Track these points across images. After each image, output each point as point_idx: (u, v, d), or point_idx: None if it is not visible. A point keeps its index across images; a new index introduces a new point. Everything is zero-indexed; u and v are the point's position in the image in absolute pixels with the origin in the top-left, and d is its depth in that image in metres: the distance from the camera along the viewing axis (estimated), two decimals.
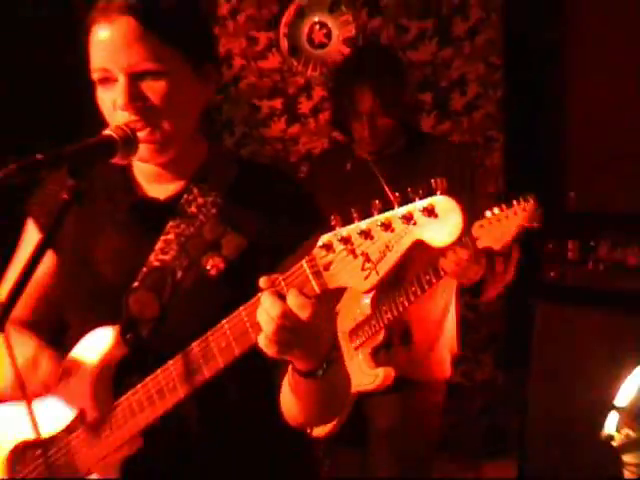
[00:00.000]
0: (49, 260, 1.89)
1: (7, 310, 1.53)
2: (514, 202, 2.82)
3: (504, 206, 2.83)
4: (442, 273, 2.97)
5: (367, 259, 1.41)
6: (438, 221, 1.36)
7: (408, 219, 1.37)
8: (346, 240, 1.42)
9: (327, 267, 1.44)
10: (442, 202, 1.36)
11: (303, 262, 1.47)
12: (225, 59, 5.49)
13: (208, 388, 1.67)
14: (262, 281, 1.50)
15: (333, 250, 1.43)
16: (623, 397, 3.24)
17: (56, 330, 2.00)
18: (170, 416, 1.72)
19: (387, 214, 1.40)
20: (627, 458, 3.17)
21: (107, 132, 1.68)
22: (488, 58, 5.17)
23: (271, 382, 1.76)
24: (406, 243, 1.38)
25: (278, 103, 5.48)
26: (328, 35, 5.34)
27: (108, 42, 1.69)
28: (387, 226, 1.39)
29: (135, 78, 1.69)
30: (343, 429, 3.21)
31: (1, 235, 2.13)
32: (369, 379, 3.18)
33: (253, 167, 1.92)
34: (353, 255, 1.42)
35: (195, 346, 1.64)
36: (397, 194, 1.40)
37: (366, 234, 1.41)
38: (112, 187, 1.87)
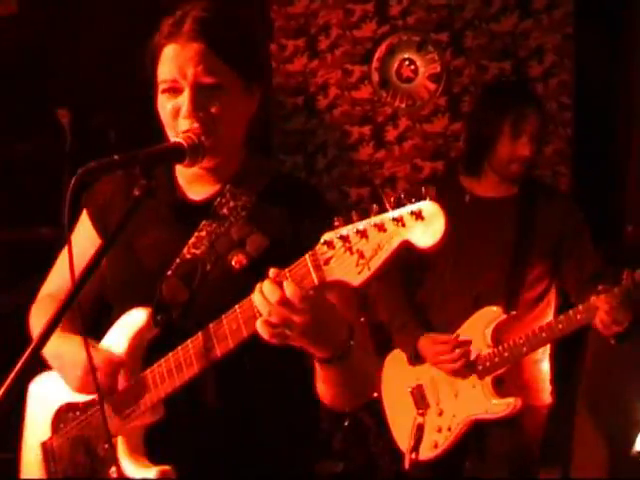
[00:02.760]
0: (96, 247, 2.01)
1: (66, 306, 1.63)
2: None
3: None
4: (594, 313, 2.91)
5: (361, 256, 1.46)
6: (424, 224, 1.41)
7: (398, 221, 1.44)
8: (345, 238, 1.48)
9: (327, 262, 1.50)
10: (429, 207, 1.42)
11: (306, 256, 1.53)
12: (322, 88, 5.67)
13: (225, 364, 1.75)
14: (270, 271, 1.57)
15: (333, 247, 1.49)
16: None
17: (97, 310, 2.10)
18: (190, 389, 1.80)
19: (381, 216, 1.47)
20: None
21: (177, 139, 1.81)
22: (560, 98, 5.18)
23: (284, 361, 1.79)
24: (395, 243, 1.44)
25: (367, 130, 5.61)
26: (415, 71, 5.45)
27: (179, 59, 1.82)
28: (380, 227, 1.46)
29: (198, 90, 1.81)
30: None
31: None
32: (500, 407, 3.11)
33: (283, 177, 2.01)
34: (350, 252, 1.47)
35: (211, 327, 1.72)
36: (392, 198, 1.47)
37: (362, 233, 1.47)
38: (156, 187, 1.91)
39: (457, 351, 3.14)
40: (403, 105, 5.52)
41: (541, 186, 3.40)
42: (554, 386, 3.37)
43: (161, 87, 1.86)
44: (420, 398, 3.27)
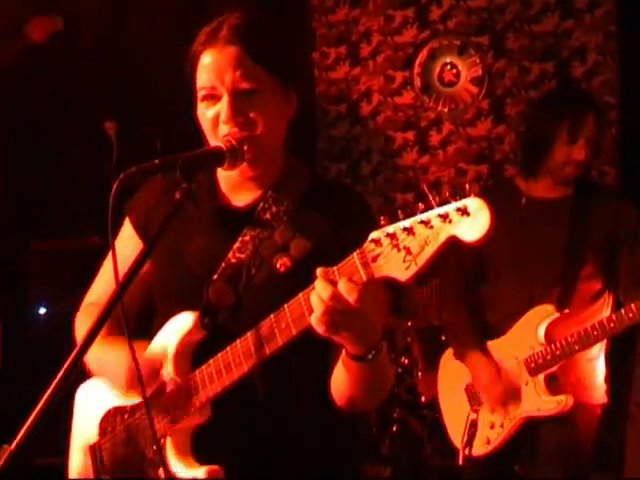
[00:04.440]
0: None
1: (109, 311, 1.62)
2: None
3: None
4: None
5: (408, 252, 1.46)
6: (470, 219, 1.40)
7: (445, 217, 1.42)
8: (392, 236, 1.48)
9: (375, 259, 1.50)
10: (474, 203, 1.41)
11: (354, 254, 1.53)
12: (365, 95, 5.64)
13: (273, 365, 1.74)
14: (319, 270, 1.57)
15: (380, 244, 1.49)
16: None
17: (143, 315, 2.09)
18: (236, 389, 1.79)
19: (427, 213, 1.45)
20: None
21: (217, 144, 1.80)
22: (604, 98, 5.07)
23: (326, 364, 1.81)
24: (442, 238, 1.43)
25: (411, 135, 5.56)
26: (457, 75, 5.39)
27: (216, 65, 1.82)
28: (426, 223, 1.44)
29: (237, 96, 1.80)
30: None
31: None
32: (551, 405, 3.09)
33: (322, 181, 2.01)
34: (397, 249, 1.47)
35: (259, 327, 1.71)
36: (436, 196, 1.46)
37: (409, 230, 1.46)
38: (200, 193, 1.93)
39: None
40: (446, 109, 5.46)
41: (596, 186, 3.39)
42: (609, 385, 3.30)
43: (200, 95, 1.85)
44: (474, 395, 3.27)
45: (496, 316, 3.28)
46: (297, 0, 5.69)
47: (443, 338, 3.97)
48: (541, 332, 3.11)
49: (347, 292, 1.52)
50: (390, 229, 1.49)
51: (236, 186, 1.95)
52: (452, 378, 3.38)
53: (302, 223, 1.85)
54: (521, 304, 3.18)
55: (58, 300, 3.97)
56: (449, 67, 5.41)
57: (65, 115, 4.59)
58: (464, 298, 3.38)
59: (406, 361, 4.52)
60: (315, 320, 1.57)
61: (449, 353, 3.44)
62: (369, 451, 4.35)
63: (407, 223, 1.47)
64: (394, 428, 4.44)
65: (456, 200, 1.43)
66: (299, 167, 1.99)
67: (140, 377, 1.74)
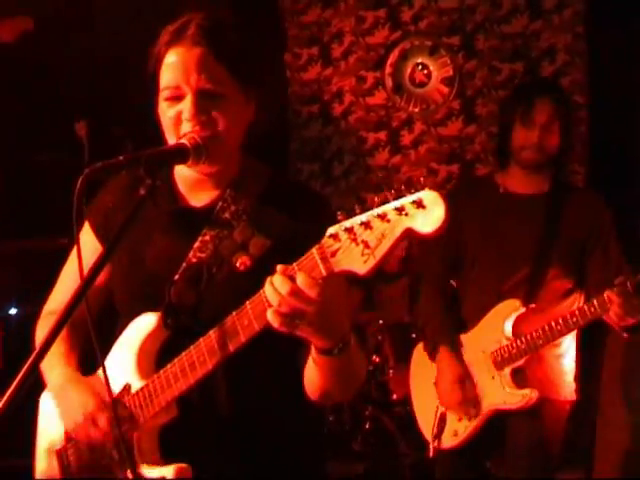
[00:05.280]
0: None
1: (69, 313, 1.61)
2: None
3: None
4: (608, 306, 2.90)
5: (366, 246, 1.47)
6: (425, 212, 1.41)
7: (400, 210, 1.43)
8: (349, 230, 1.48)
9: (334, 254, 1.51)
10: (429, 196, 1.41)
11: (313, 250, 1.53)
12: (337, 95, 5.64)
13: (235, 363, 1.74)
14: (278, 267, 1.58)
15: (339, 239, 1.50)
16: None
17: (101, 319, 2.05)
18: (202, 388, 1.80)
19: (383, 207, 1.46)
20: None
21: (181, 141, 1.79)
22: (572, 97, 5.08)
23: (293, 360, 1.81)
24: (398, 231, 1.44)
25: (383, 135, 5.57)
26: (428, 75, 5.41)
27: (182, 65, 1.81)
28: (383, 217, 1.45)
29: (201, 96, 1.80)
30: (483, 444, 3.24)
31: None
32: (516, 398, 3.11)
33: (281, 181, 1.99)
34: (355, 243, 1.48)
35: (222, 324, 1.72)
36: (392, 190, 1.46)
37: (366, 225, 1.47)
38: (158, 194, 1.90)
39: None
40: (417, 109, 5.47)
41: (571, 185, 3.44)
42: (579, 383, 3.31)
43: (164, 94, 1.84)
44: None
45: (467, 309, 3.31)
46: (269, 1, 5.67)
47: (414, 335, 3.98)
48: (508, 326, 3.13)
49: (307, 287, 1.53)
50: (348, 224, 1.49)
51: (194, 187, 1.95)
52: (423, 372, 3.39)
53: (261, 222, 1.85)
54: (491, 298, 3.20)
55: (28, 300, 3.93)
56: (420, 67, 5.42)
57: (35, 115, 4.56)
58: (443, 288, 3.42)
59: (377, 359, 4.52)
60: (270, 315, 1.57)
61: (420, 349, 3.44)
62: (341, 448, 4.34)
63: (364, 217, 1.47)
64: (367, 426, 4.44)
65: (411, 193, 1.43)
66: (257, 167, 1.98)
67: (117, 419, 1.79)
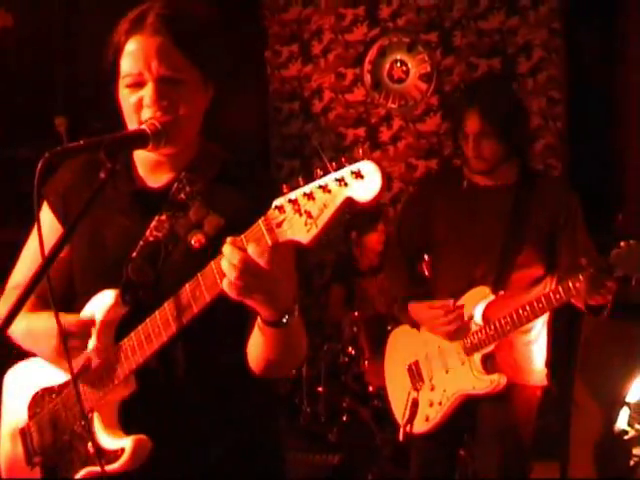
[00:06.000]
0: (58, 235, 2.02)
1: (30, 290, 1.65)
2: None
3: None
4: (573, 292, 2.93)
5: (309, 216, 1.51)
6: (363, 181, 1.46)
7: (341, 181, 1.48)
8: (294, 202, 1.52)
9: (279, 225, 1.55)
10: (367, 166, 1.46)
11: (260, 221, 1.57)
12: (317, 92, 5.67)
13: (192, 336, 1.80)
14: (228, 239, 1.62)
15: (284, 211, 1.53)
16: (635, 393, 3.15)
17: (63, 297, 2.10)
18: (160, 362, 1.86)
19: (325, 178, 1.50)
20: (637, 451, 3.09)
21: (142, 126, 1.82)
22: (549, 93, 5.14)
23: (246, 335, 1.85)
24: (339, 200, 1.48)
25: (362, 131, 5.61)
26: (406, 72, 5.44)
27: (142, 53, 1.84)
28: (324, 188, 1.49)
29: (161, 82, 1.84)
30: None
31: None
32: (484, 384, 3.14)
33: (235, 163, 2.03)
34: (299, 214, 1.52)
35: (176, 296, 1.76)
36: (333, 163, 1.50)
37: (309, 196, 1.51)
38: (116, 176, 1.95)
39: (452, 314, 3.20)
40: (395, 106, 5.49)
41: (539, 174, 3.45)
42: (550, 370, 3.33)
43: (125, 81, 1.87)
44: (416, 374, 3.33)
45: (439, 296, 3.33)
46: None
47: (389, 328, 4.01)
48: (478, 313, 3.16)
49: (257, 255, 1.57)
50: (292, 195, 1.52)
51: (152, 168, 1.99)
52: (396, 359, 3.44)
53: (215, 201, 1.89)
54: (462, 285, 3.23)
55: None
56: (398, 64, 5.45)
57: (15, 110, 4.57)
58: (406, 265, 3.48)
59: (353, 351, 4.55)
60: (227, 284, 1.61)
61: (394, 334, 3.50)
62: (318, 440, 4.36)
63: (307, 189, 1.51)
64: (344, 418, 4.46)
65: (351, 164, 1.47)
66: (213, 151, 2.03)
67: (67, 347, 1.78)
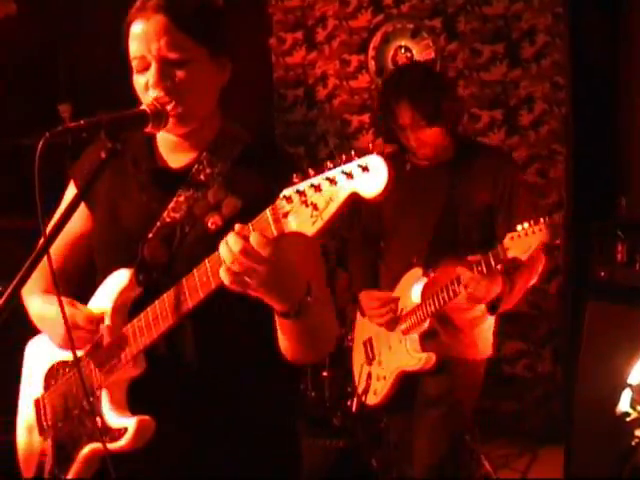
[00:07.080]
0: (83, 215, 2.08)
1: (45, 249, 1.68)
2: (541, 219, 2.81)
3: (532, 222, 2.82)
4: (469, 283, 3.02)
5: (315, 208, 1.51)
6: (369, 175, 1.46)
7: (348, 174, 1.47)
8: (302, 193, 1.52)
9: (286, 215, 1.55)
10: (374, 160, 1.46)
11: (267, 210, 1.57)
12: (321, 79, 5.65)
13: (205, 320, 1.81)
14: (236, 226, 1.62)
15: (291, 201, 1.53)
16: (637, 375, 3.17)
17: (86, 273, 2.16)
18: (170, 344, 1.88)
19: (333, 171, 1.50)
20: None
21: (142, 107, 1.84)
22: (553, 78, 5.12)
23: (261, 318, 1.83)
24: (345, 194, 1.48)
25: (366, 118, 5.58)
26: (411, 58, 5.40)
27: (144, 34, 1.85)
28: (332, 180, 1.49)
29: (164, 63, 1.85)
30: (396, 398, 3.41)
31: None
32: (414, 361, 3.29)
33: (256, 145, 2.02)
34: (305, 205, 1.52)
35: (184, 280, 1.77)
36: (343, 155, 1.49)
37: (316, 187, 1.51)
38: (138, 155, 2.02)
39: (385, 308, 3.38)
40: None
41: (477, 147, 3.47)
42: (496, 338, 3.46)
43: (133, 65, 1.89)
44: (369, 349, 3.54)
45: (384, 280, 3.51)
46: None
47: None
48: (414, 293, 3.27)
49: (259, 246, 1.56)
50: (301, 186, 1.53)
51: (173, 148, 2.01)
52: (358, 334, 3.65)
53: (234, 183, 1.89)
54: (403, 268, 3.35)
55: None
56: (403, 50, 5.42)
57: (19, 97, 4.57)
58: (365, 255, 3.64)
59: None
60: (222, 272, 1.61)
61: (359, 317, 3.65)
62: (322, 424, 4.39)
63: (315, 180, 1.51)
64: (348, 402, 4.47)
65: (360, 157, 1.48)
66: (235, 132, 2.02)
67: (70, 334, 1.79)
